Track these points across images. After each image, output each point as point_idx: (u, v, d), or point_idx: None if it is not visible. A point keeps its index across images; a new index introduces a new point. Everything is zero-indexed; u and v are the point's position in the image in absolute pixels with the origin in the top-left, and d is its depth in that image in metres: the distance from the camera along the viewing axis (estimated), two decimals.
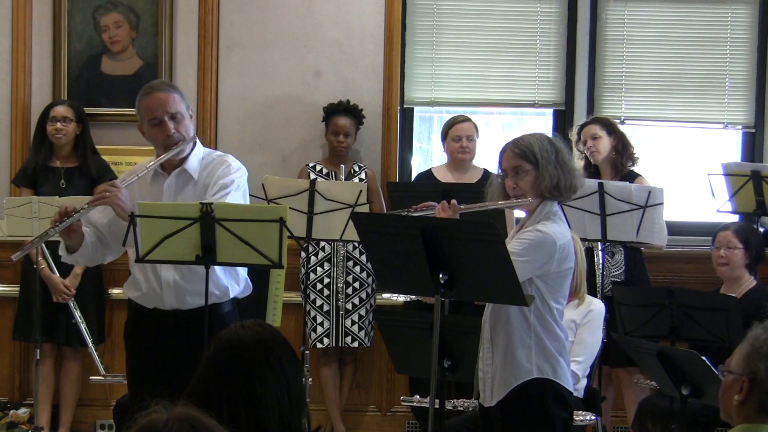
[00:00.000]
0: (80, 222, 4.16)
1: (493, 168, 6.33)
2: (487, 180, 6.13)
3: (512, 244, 3.87)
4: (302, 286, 6.25)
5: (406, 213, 4.19)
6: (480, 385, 4.05)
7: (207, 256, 4.07)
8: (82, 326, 6.00)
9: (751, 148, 6.82)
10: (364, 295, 6.33)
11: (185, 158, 4.28)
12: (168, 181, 4.29)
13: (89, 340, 6.00)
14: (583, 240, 5.64)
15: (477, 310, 5.02)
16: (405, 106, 6.81)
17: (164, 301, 4.26)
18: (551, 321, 3.93)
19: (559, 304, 3.96)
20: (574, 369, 4.98)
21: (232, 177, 4.25)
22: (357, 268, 6.32)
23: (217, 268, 4.22)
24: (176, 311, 4.25)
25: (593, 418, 4.97)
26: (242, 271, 4.40)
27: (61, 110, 6.25)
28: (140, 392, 4.06)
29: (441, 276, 3.72)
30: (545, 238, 3.86)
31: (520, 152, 3.94)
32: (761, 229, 6.31)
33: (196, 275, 4.19)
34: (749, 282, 5.71)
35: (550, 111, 6.87)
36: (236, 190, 4.24)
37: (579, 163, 6.31)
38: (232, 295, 4.35)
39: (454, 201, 4.05)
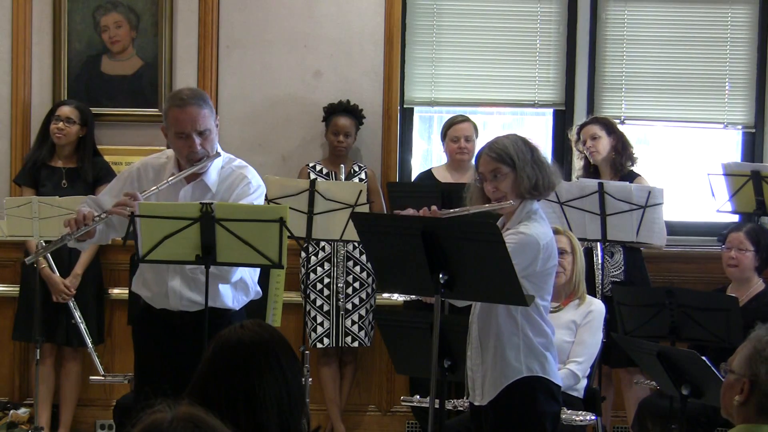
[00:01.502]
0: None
1: None
2: None
3: None
4: (302, 286, 6.25)
5: None
6: (469, 384, 4.07)
7: (207, 256, 4.08)
8: (82, 326, 5.99)
9: (751, 148, 6.82)
10: (364, 295, 6.33)
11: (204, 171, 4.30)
12: (185, 189, 4.30)
13: (89, 340, 6.00)
14: (582, 240, 5.64)
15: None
16: (405, 106, 6.80)
17: (170, 303, 4.30)
18: (537, 318, 3.97)
19: (545, 301, 4.02)
20: (575, 369, 4.99)
21: (251, 198, 4.28)
22: (357, 268, 6.32)
23: (222, 288, 4.24)
24: (182, 313, 4.30)
25: (593, 418, 4.97)
26: (252, 282, 4.42)
27: (66, 110, 6.26)
28: (146, 390, 4.11)
29: (441, 276, 3.72)
30: (528, 239, 3.89)
31: (497, 156, 3.95)
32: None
33: (202, 288, 4.21)
34: (758, 285, 5.69)
35: (550, 111, 6.87)
36: None
37: (578, 163, 6.32)
38: (239, 307, 4.38)
39: (434, 207, 4.06)
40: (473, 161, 4.14)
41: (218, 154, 4.28)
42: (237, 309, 4.37)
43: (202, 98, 4.28)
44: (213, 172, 4.30)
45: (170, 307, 4.31)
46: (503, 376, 3.95)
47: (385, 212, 6.32)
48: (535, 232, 3.91)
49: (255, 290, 4.46)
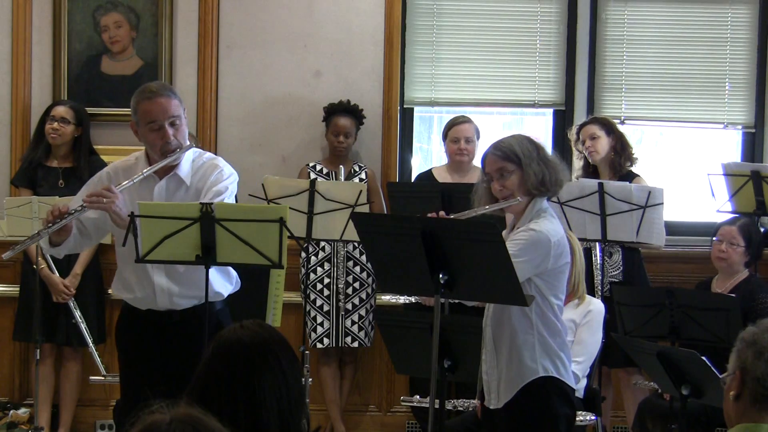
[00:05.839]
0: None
1: None
2: None
3: (507, 246, 3.87)
4: (302, 286, 6.25)
5: None
6: (485, 388, 4.05)
7: (207, 256, 4.08)
8: (82, 326, 6.00)
9: (751, 148, 6.82)
10: (364, 295, 6.33)
11: (177, 163, 4.29)
12: (159, 184, 4.29)
13: (89, 340, 6.00)
14: (582, 240, 5.64)
15: (477, 311, 5.02)
16: (405, 106, 6.80)
17: (158, 303, 4.29)
18: (552, 317, 3.96)
19: (559, 300, 3.99)
20: (575, 369, 4.98)
21: (225, 183, 4.26)
22: (357, 268, 6.32)
23: (211, 273, 4.23)
24: (170, 311, 4.29)
25: (593, 418, 4.97)
26: (232, 270, 4.41)
27: (60, 110, 6.26)
28: (134, 392, 4.10)
29: (441, 276, 3.72)
30: (539, 236, 3.88)
31: (502, 154, 3.97)
32: (761, 229, 6.30)
33: (189, 280, 4.22)
34: (742, 273, 5.71)
35: (550, 111, 6.87)
36: (229, 197, 4.26)
37: (578, 163, 6.31)
38: (225, 295, 4.37)
39: (442, 212, 4.06)
40: (480, 162, 4.12)
41: (191, 145, 4.29)
42: (225, 296, 4.35)
43: (170, 89, 4.32)
44: (186, 164, 4.30)
45: (157, 307, 4.29)
46: (519, 376, 3.93)
47: (385, 212, 6.32)
48: (546, 229, 3.90)
49: (236, 279, 4.44)
